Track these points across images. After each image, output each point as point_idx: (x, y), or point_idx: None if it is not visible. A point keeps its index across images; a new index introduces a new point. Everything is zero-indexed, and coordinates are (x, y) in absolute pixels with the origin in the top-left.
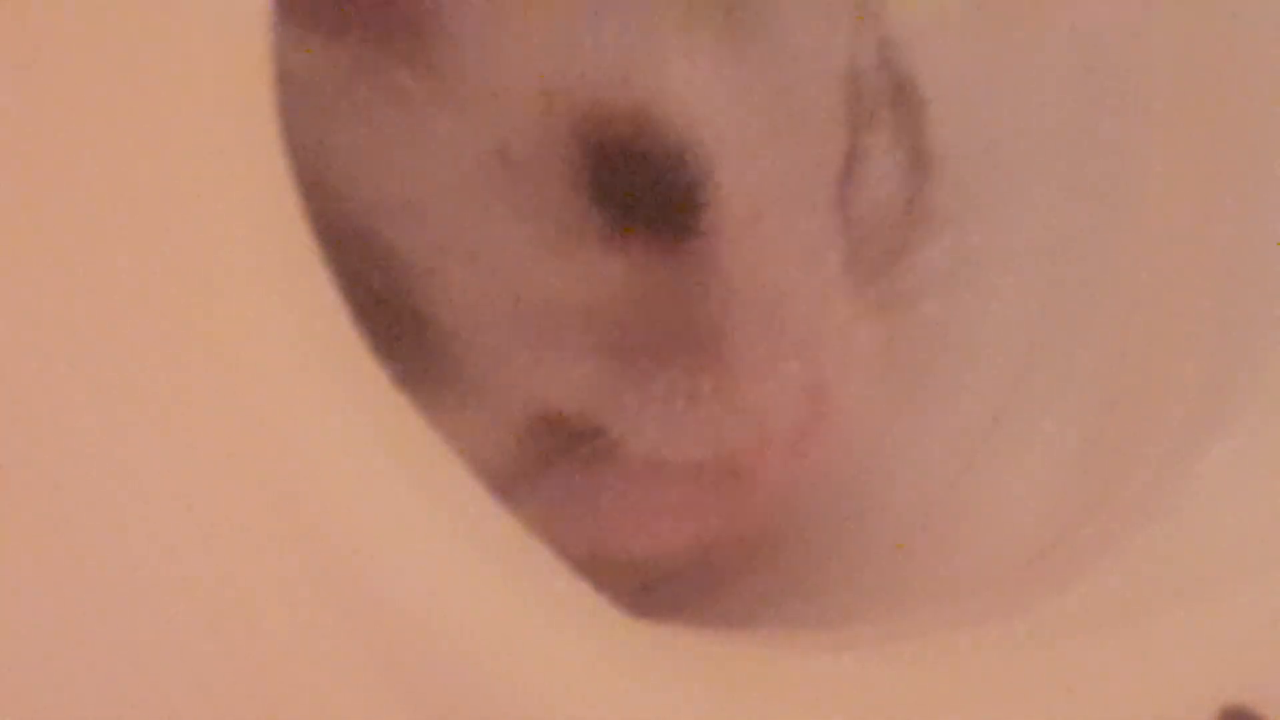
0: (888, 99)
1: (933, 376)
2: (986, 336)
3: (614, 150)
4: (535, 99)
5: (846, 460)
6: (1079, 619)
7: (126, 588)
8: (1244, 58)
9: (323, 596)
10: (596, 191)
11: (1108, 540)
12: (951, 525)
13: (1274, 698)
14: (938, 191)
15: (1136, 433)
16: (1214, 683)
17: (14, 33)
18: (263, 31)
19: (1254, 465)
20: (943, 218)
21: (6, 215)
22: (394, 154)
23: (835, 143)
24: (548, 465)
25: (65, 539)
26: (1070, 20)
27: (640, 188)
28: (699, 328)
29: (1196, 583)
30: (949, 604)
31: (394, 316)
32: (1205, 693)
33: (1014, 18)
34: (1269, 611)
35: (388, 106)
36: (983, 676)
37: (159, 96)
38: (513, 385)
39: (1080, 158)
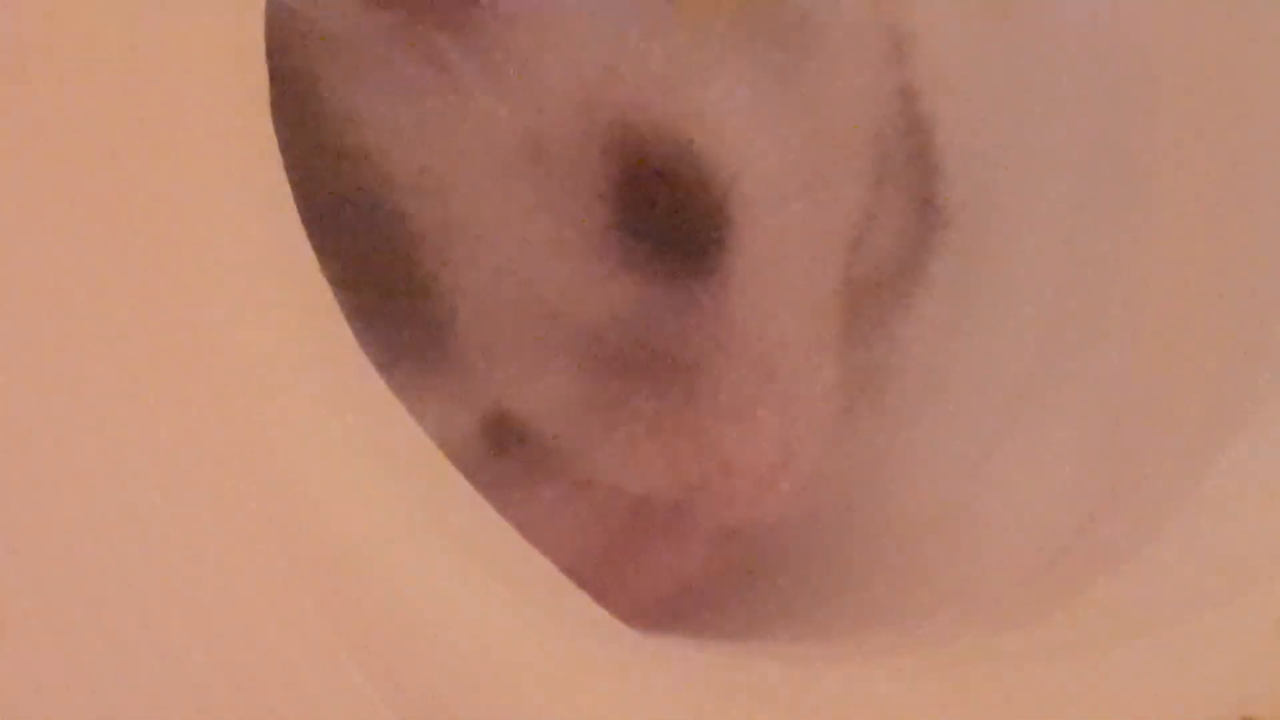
0: (905, 155)
1: (941, 385)
2: (996, 345)
3: (643, 170)
4: (575, 99)
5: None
6: (1089, 629)
7: (118, 586)
8: (1256, 59)
9: (315, 602)
10: (619, 207)
11: (1118, 550)
12: (960, 535)
13: None
14: (948, 197)
15: (1147, 441)
16: (1226, 694)
17: (13, 35)
18: (260, 28)
19: (1265, 473)
20: (953, 223)
21: (6, 216)
22: (427, 126)
23: (856, 201)
24: (494, 457)
25: (58, 539)
26: (1081, 24)
27: (663, 213)
28: (684, 360)
29: (1207, 593)
30: (957, 615)
31: (397, 284)
32: (1218, 704)
33: (1023, 20)
34: None
35: (426, 76)
36: (990, 688)
37: (155, 95)
38: (489, 377)
39: (1091, 164)
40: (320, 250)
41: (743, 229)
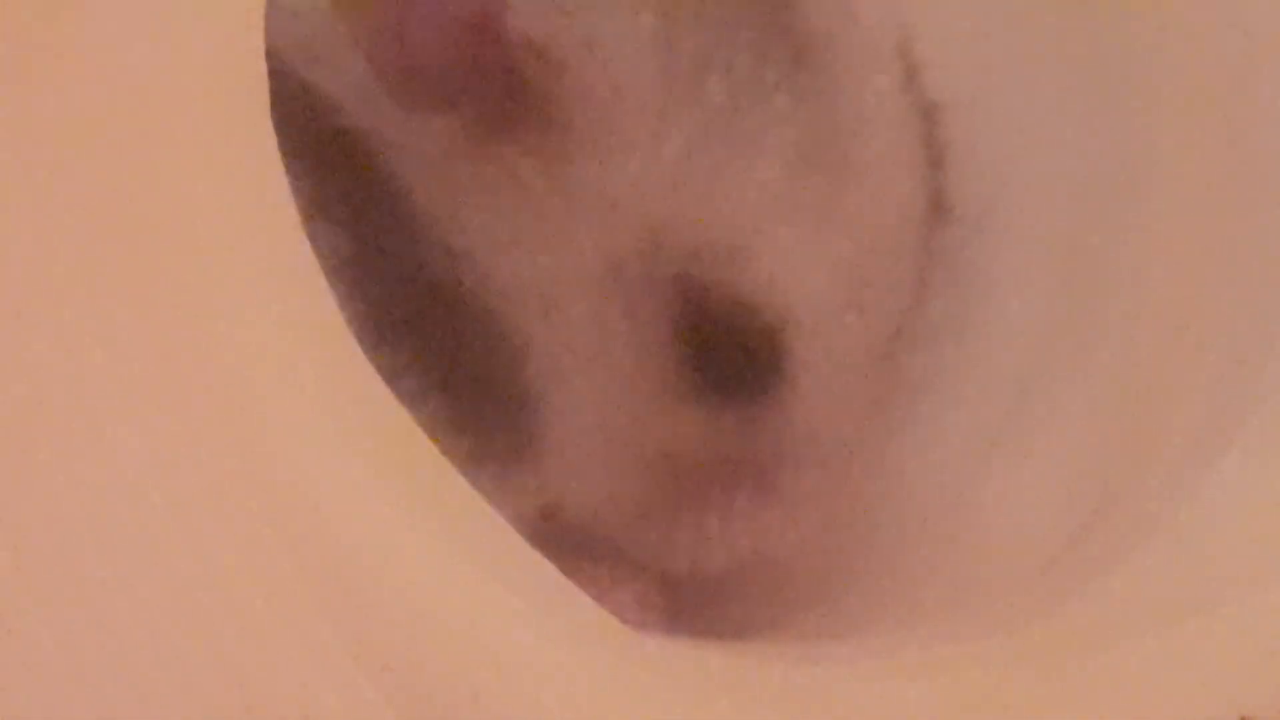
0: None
1: (939, 387)
2: (993, 346)
3: (704, 315)
4: (646, 231)
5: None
6: (1087, 631)
7: (117, 587)
8: (1257, 57)
9: (314, 602)
10: (685, 345)
11: (1116, 552)
12: (958, 536)
13: None
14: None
15: (1145, 442)
16: (1225, 696)
17: (14, 37)
18: (258, 36)
19: (1263, 475)
20: (955, 219)
21: (8, 219)
22: (524, 243)
23: (902, 290)
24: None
25: (57, 539)
26: (1082, 22)
27: (724, 354)
28: (749, 469)
29: (1205, 595)
30: (956, 616)
31: (499, 392)
32: (1215, 705)
33: (1025, 19)
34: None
35: (515, 195)
36: (990, 689)
37: (155, 103)
38: (561, 481)
39: (1090, 163)
40: (396, 361)
41: (798, 354)
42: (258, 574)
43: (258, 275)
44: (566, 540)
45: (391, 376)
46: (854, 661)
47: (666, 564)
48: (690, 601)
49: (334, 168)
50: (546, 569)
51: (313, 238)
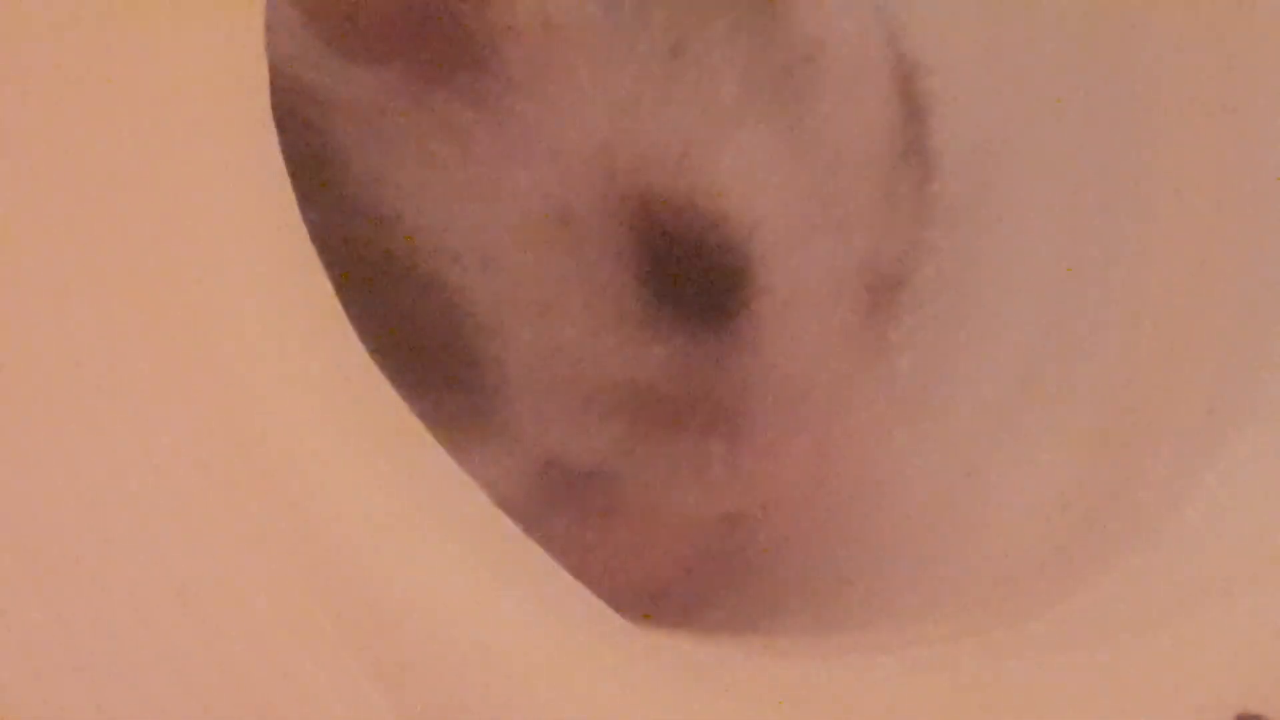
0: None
1: (936, 383)
2: (990, 343)
3: (663, 237)
4: (596, 165)
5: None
6: (1084, 627)
7: (121, 587)
8: (1252, 53)
9: (320, 601)
10: (645, 274)
11: (1115, 546)
12: (954, 533)
13: None
14: (945, 192)
15: (1145, 438)
16: (1223, 691)
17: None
18: (259, 31)
19: (1261, 472)
20: (949, 220)
21: (15, 219)
22: (460, 197)
23: (871, 223)
24: (556, 507)
25: (59, 540)
26: (1079, 27)
27: (686, 276)
28: (723, 401)
29: (1203, 590)
30: (955, 610)
31: (442, 352)
32: (1215, 701)
33: (1022, 23)
34: (1278, 619)
35: (453, 147)
36: (988, 684)
37: (156, 99)
38: (540, 433)
39: (1086, 158)
40: (357, 318)
41: (764, 277)
42: (256, 569)
43: (257, 268)
44: (577, 492)
45: None
46: (849, 655)
47: (656, 499)
48: (684, 599)
49: (285, 131)
50: (545, 560)
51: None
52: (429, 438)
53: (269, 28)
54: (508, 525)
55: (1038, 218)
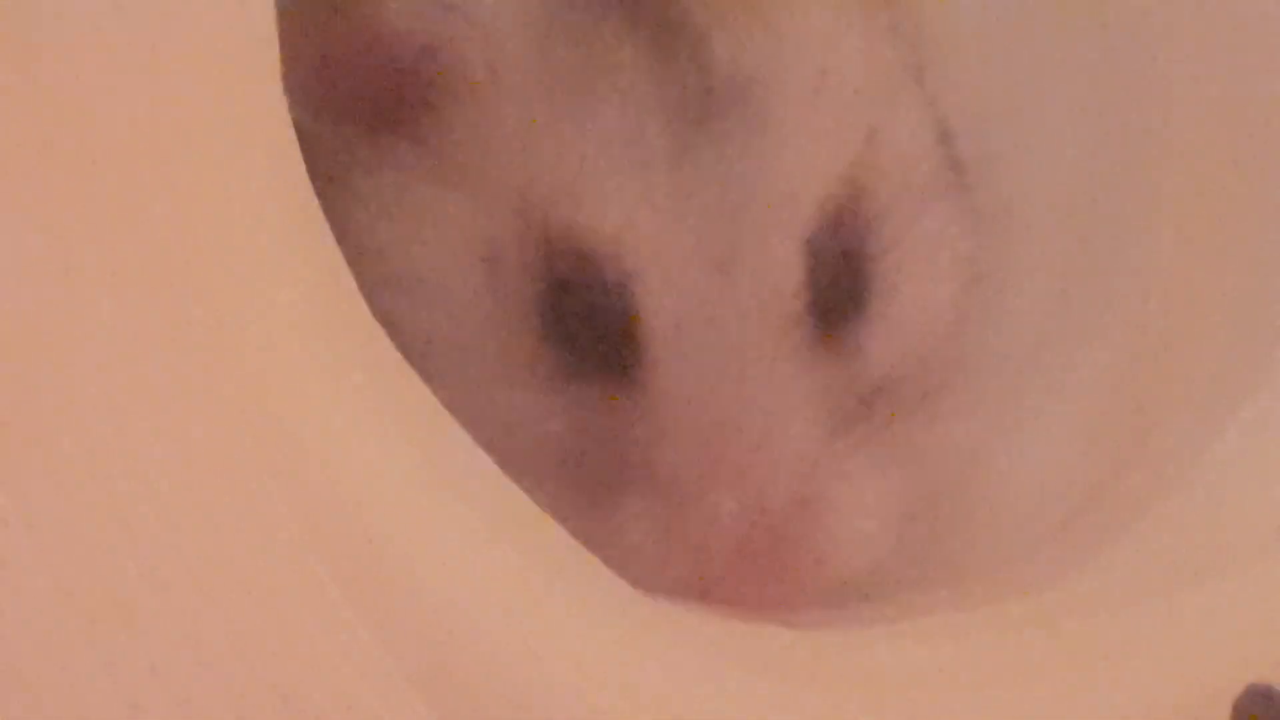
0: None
1: (953, 354)
2: (1004, 314)
3: (559, 281)
4: (514, 202)
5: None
6: (1097, 596)
7: (142, 578)
8: (1264, 47)
9: (337, 575)
10: (547, 318)
11: (1129, 516)
12: (971, 502)
13: None
14: (964, 155)
15: (1156, 408)
16: (1234, 661)
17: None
18: (271, 25)
19: (1267, 446)
20: (968, 186)
21: (40, 210)
22: (404, 230)
23: (790, 254)
24: None
25: (87, 541)
26: (1091, 19)
27: (578, 321)
28: (635, 455)
29: (1216, 559)
30: (969, 581)
31: None
32: (1228, 670)
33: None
34: None
35: (395, 181)
36: (1001, 653)
37: (175, 93)
38: None
39: (1101, 143)
40: None
41: (652, 321)
42: (279, 555)
43: (274, 257)
44: None
45: None
46: (864, 626)
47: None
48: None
49: None
50: (563, 536)
51: None
52: (446, 414)
53: None
54: (528, 504)
55: (1051, 186)
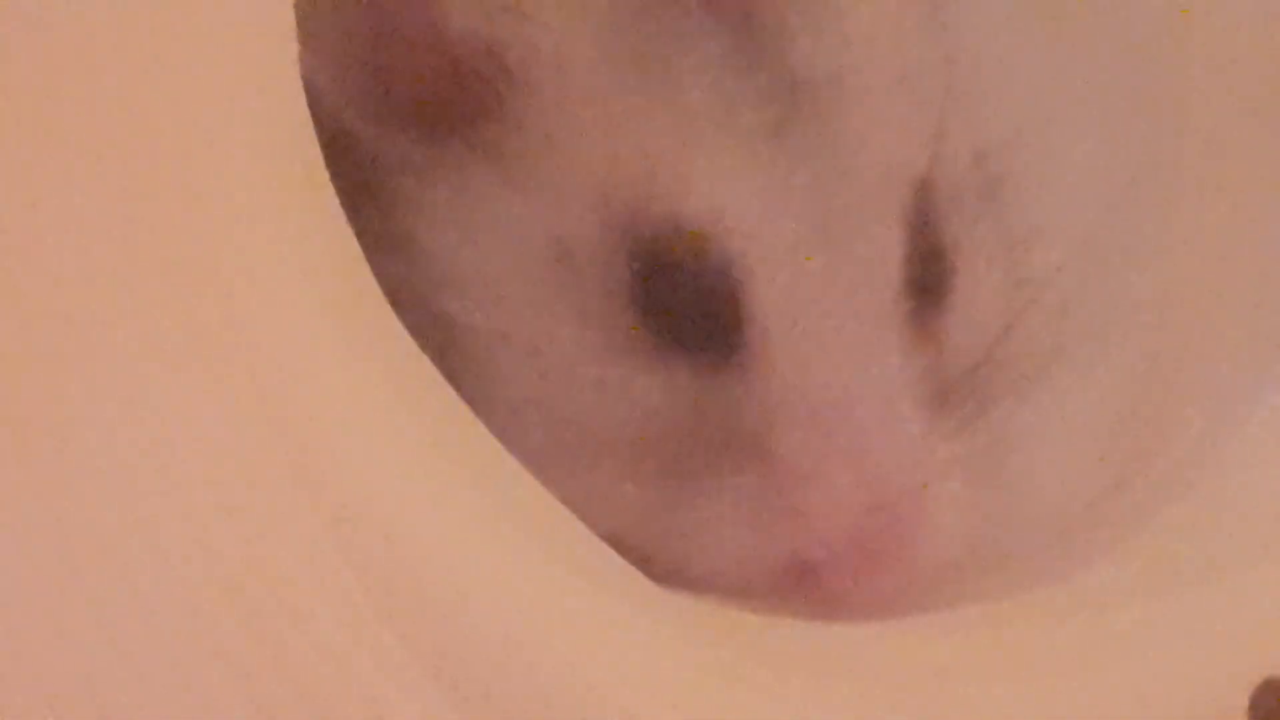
0: (973, 214)
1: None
2: (1025, 304)
3: (654, 267)
4: (591, 200)
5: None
6: (1117, 590)
7: (161, 576)
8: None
9: (356, 573)
10: (639, 308)
11: (1147, 509)
12: (993, 492)
13: None
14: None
15: (1177, 399)
16: (1253, 653)
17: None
18: (289, 31)
19: None
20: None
21: (62, 208)
22: (467, 235)
23: (890, 234)
24: None
25: (107, 542)
26: (1111, 20)
27: (679, 306)
28: (743, 439)
29: (1234, 554)
30: (991, 570)
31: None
32: (1245, 663)
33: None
34: None
35: (462, 188)
36: (1023, 642)
37: (193, 92)
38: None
39: (1119, 144)
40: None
41: (759, 299)
42: (295, 551)
43: (293, 254)
44: None
45: None
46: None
47: (710, 577)
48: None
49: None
50: (582, 530)
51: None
52: (466, 409)
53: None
54: (546, 496)
55: (1072, 171)
